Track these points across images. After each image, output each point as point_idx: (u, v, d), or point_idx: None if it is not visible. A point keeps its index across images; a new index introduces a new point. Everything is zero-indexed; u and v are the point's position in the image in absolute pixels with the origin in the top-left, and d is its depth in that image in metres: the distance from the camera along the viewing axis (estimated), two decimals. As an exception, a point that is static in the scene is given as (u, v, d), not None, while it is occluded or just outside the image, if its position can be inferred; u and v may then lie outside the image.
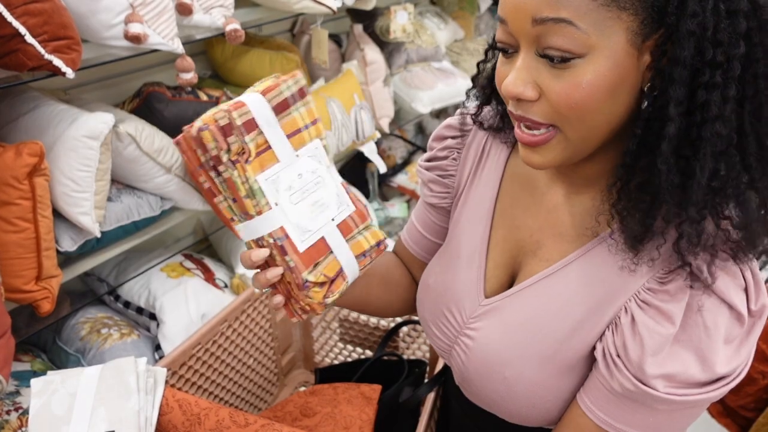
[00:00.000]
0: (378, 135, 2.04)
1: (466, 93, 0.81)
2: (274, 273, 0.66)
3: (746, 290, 0.59)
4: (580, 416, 0.66)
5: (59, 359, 1.38)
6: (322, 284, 0.67)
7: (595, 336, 0.65)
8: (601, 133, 0.58)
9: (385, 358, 1.30)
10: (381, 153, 2.53)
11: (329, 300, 0.68)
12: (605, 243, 0.66)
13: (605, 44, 0.53)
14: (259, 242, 0.66)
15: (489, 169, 0.80)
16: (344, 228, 0.70)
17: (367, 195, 2.39)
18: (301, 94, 0.68)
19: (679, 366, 0.58)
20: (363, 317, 1.42)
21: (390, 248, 0.89)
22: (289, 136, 0.67)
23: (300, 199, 0.66)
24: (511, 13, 0.56)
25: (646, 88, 0.56)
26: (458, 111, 0.85)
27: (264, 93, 0.65)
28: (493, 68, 0.72)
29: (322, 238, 0.67)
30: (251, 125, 0.64)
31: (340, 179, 0.71)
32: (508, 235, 0.76)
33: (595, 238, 0.66)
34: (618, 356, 0.62)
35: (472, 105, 0.81)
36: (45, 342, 1.44)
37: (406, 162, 2.62)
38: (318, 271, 0.67)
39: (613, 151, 0.63)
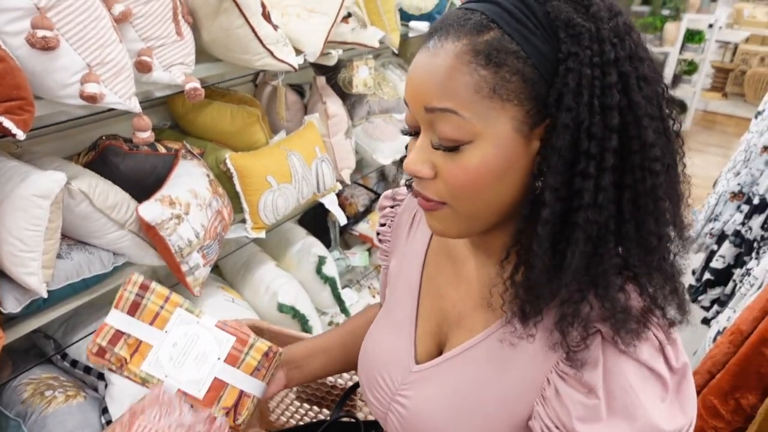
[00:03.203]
0: (339, 186, 2.05)
1: (400, 160, 0.87)
2: None
3: (662, 350, 0.61)
4: None
5: (-2, 424, 1.32)
6: (226, 413, 0.80)
7: (523, 409, 0.66)
8: (490, 211, 0.62)
9: (343, 419, 1.28)
10: (343, 201, 2.54)
11: (240, 420, 0.82)
12: (511, 314, 0.67)
13: (491, 132, 0.57)
14: None
15: (418, 237, 0.84)
16: (231, 359, 0.83)
17: (328, 244, 2.39)
18: (144, 287, 0.84)
19: None
20: (320, 376, 1.40)
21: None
22: (152, 323, 0.82)
23: (183, 361, 0.81)
24: (410, 100, 0.62)
25: (535, 173, 0.60)
26: (402, 183, 0.89)
27: (116, 306, 0.83)
28: None
29: (215, 378, 0.81)
30: (117, 337, 0.82)
31: (215, 320, 0.84)
32: (434, 305, 0.78)
33: (503, 307, 0.68)
34: (557, 427, 0.62)
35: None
36: (-17, 405, 1.36)
37: (368, 210, 2.63)
38: (219, 406, 0.81)
39: (514, 224, 0.65)
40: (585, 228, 0.56)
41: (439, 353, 0.76)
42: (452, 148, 0.59)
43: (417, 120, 0.62)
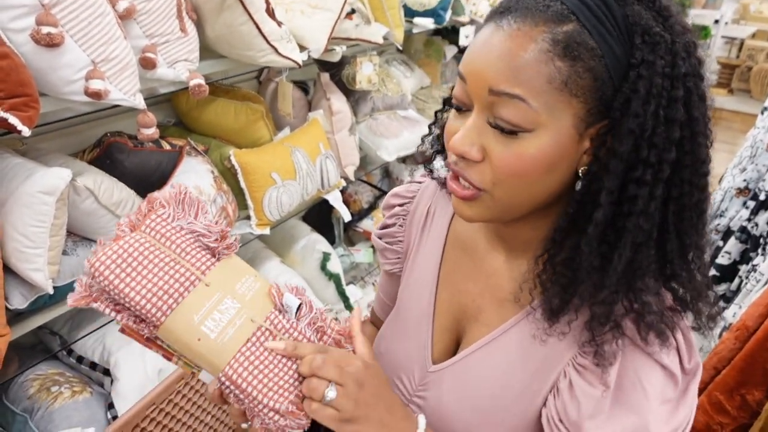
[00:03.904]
0: (343, 183, 2.05)
1: (422, 139, 0.83)
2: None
3: (678, 350, 0.62)
4: None
5: (5, 419, 1.32)
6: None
7: (539, 401, 0.67)
8: (528, 203, 0.62)
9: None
10: (347, 198, 2.54)
11: None
12: (540, 309, 0.67)
13: (552, 124, 0.56)
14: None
15: (433, 233, 0.82)
16: None
17: (332, 241, 2.39)
18: None
19: (619, 429, 0.60)
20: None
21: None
22: None
23: None
24: (471, 76, 0.58)
25: (581, 171, 0.60)
26: (407, 180, 0.89)
27: None
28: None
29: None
30: None
31: None
32: (452, 300, 0.77)
33: (531, 304, 0.68)
34: (560, 420, 0.63)
35: (420, 174, 0.84)
36: (-10, 400, 1.37)
37: (372, 207, 2.63)
38: None
39: (552, 220, 0.66)
40: (634, 233, 0.57)
41: (456, 348, 0.76)
42: (510, 132, 0.57)
43: (471, 97, 0.59)
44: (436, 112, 0.80)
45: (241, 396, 0.60)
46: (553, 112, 0.56)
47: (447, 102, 0.76)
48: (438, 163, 0.81)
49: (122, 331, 0.64)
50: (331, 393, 0.58)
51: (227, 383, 0.59)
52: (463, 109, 0.62)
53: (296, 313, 0.63)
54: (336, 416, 0.59)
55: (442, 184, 0.81)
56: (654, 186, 0.56)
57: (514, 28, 0.56)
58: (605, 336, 0.61)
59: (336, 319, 0.67)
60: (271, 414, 0.60)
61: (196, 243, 0.62)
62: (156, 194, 0.63)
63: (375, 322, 0.98)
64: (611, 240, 0.58)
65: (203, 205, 0.65)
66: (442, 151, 0.79)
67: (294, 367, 0.61)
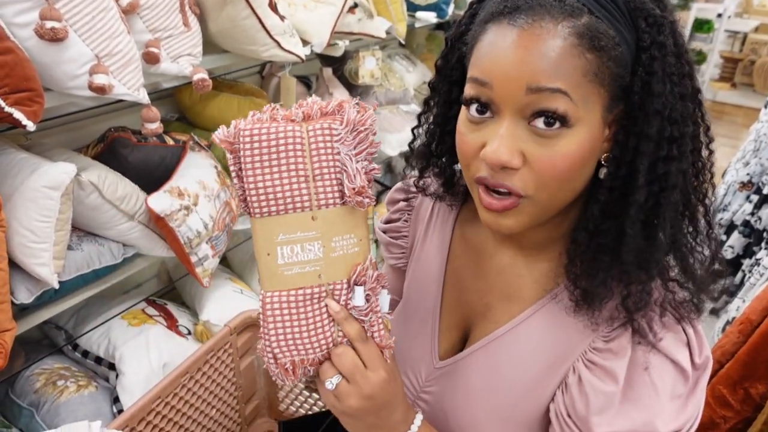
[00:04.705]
0: (346, 177, 2.05)
1: (406, 159, 0.81)
2: None
3: (689, 345, 0.62)
4: None
5: (11, 413, 1.33)
6: None
7: (548, 396, 0.67)
8: (567, 199, 0.62)
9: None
10: (350, 193, 2.53)
11: None
12: (552, 305, 0.67)
13: (587, 116, 0.57)
14: None
15: (439, 229, 0.82)
16: None
17: (335, 235, 2.39)
18: None
19: (629, 424, 0.60)
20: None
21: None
22: None
23: None
24: (501, 79, 0.56)
25: (602, 159, 0.60)
26: (410, 176, 0.86)
27: None
28: (430, 132, 0.74)
29: None
30: None
31: None
32: (459, 297, 0.77)
33: (541, 300, 0.68)
34: (568, 416, 0.63)
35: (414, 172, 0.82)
36: (-3, 394, 1.38)
37: (376, 201, 2.63)
38: None
39: (561, 218, 0.66)
40: (671, 208, 0.58)
41: (463, 345, 0.76)
42: (553, 127, 0.56)
43: (500, 102, 0.57)
44: (413, 129, 0.78)
45: (261, 322, 0.61)
46: (587, 105, 0.56)
47: (424, 113, 0.76)
48: (428, 179, 0.80)
49: None
50: (329, 385, 0.61)
51: (260, 303, 0.61)
52: (485, 115, 0.59)
53: (358, 305, 0.62)
54: (336, 406, 0.62)
55: (438, 197, 0.80)
56: (680, 160, 0.58)
57: (538, 26, 0.55)
58: (618, 330, 0.62)
59: (390, 331, 0.66)
60: (270, 356, 0.62)
61: (336, 174, 0.58)
62: (346, 105, 0.59)
63: None
64: (651, 219, 0.59)
65: (373, 149, 0.61)
66: (428, 166, 0.77)
67: (320, 337, 0.61)
